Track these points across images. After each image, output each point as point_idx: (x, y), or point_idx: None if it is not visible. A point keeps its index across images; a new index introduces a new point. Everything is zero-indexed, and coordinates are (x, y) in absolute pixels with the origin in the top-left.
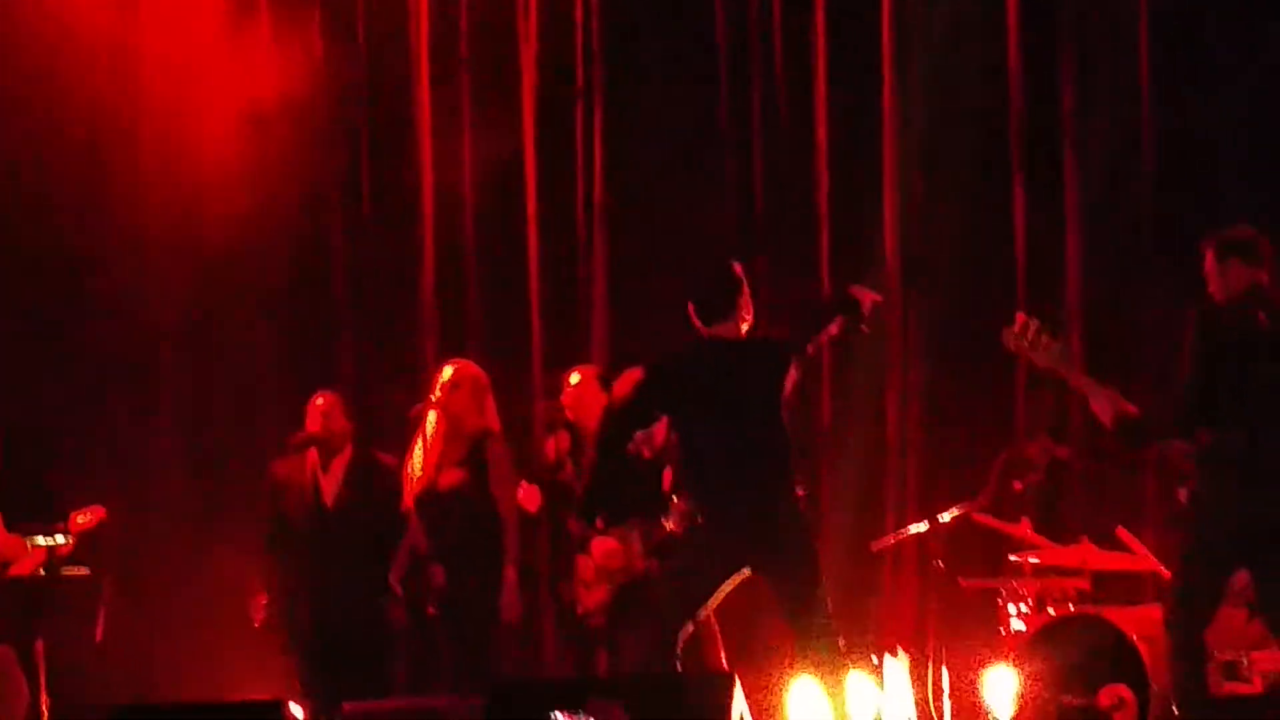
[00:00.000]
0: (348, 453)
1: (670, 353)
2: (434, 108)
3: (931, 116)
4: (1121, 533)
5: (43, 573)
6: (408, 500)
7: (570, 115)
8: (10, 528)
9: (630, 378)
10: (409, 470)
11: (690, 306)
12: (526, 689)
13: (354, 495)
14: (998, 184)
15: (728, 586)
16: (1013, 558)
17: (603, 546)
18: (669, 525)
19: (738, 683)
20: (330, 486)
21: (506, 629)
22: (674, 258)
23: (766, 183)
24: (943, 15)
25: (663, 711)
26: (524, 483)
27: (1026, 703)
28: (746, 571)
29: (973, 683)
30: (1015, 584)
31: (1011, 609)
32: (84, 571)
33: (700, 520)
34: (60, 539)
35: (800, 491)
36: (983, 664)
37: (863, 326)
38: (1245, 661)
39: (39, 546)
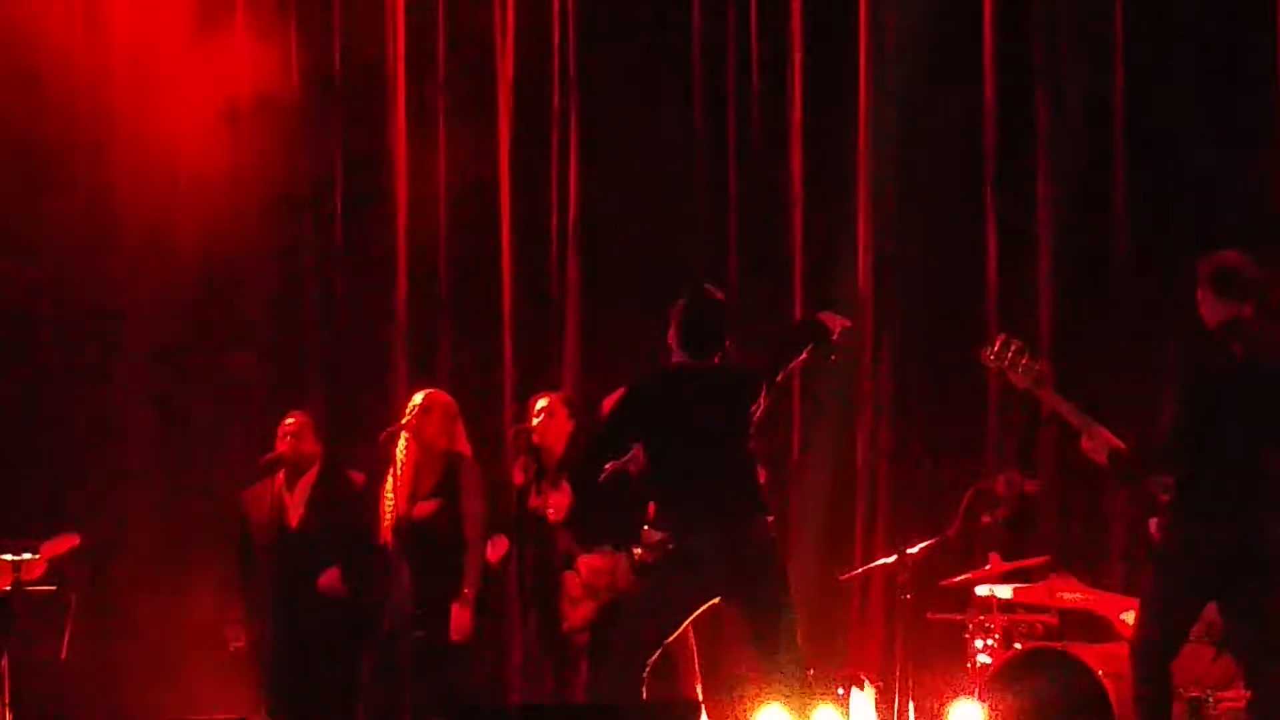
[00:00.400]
0: (313, 474)
1: (641, 380)
2: (409, 130)
3: (905, 144)
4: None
5: (8, 589)
6: (385, 533)
7: (545, 137)
8: None
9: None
10: (383, 500)
11: (673, 336)
12: (486, 716)
13: (317, 516)
14: (970, 213)
15: (696, 614)
16: (980, 592)
17: (590, 564)
18: (638, 554)
19: (704, 712)
20: (294, 507)
21: (477, 655)
22: (648, 281)
23: (740, 207)
24: (917, 36)
25: None
26: (495, 537)
27: None
28: (716, 599)
29: (939, 716)
30: (982, 618)
31: (979, 643)
32: (50, 589)
33: (670, 548)
34: (28, 556)
35: (770, 518)
36: (949, 697)
37: (832, 356)
38: (1211, 699)
39: (6, 563)
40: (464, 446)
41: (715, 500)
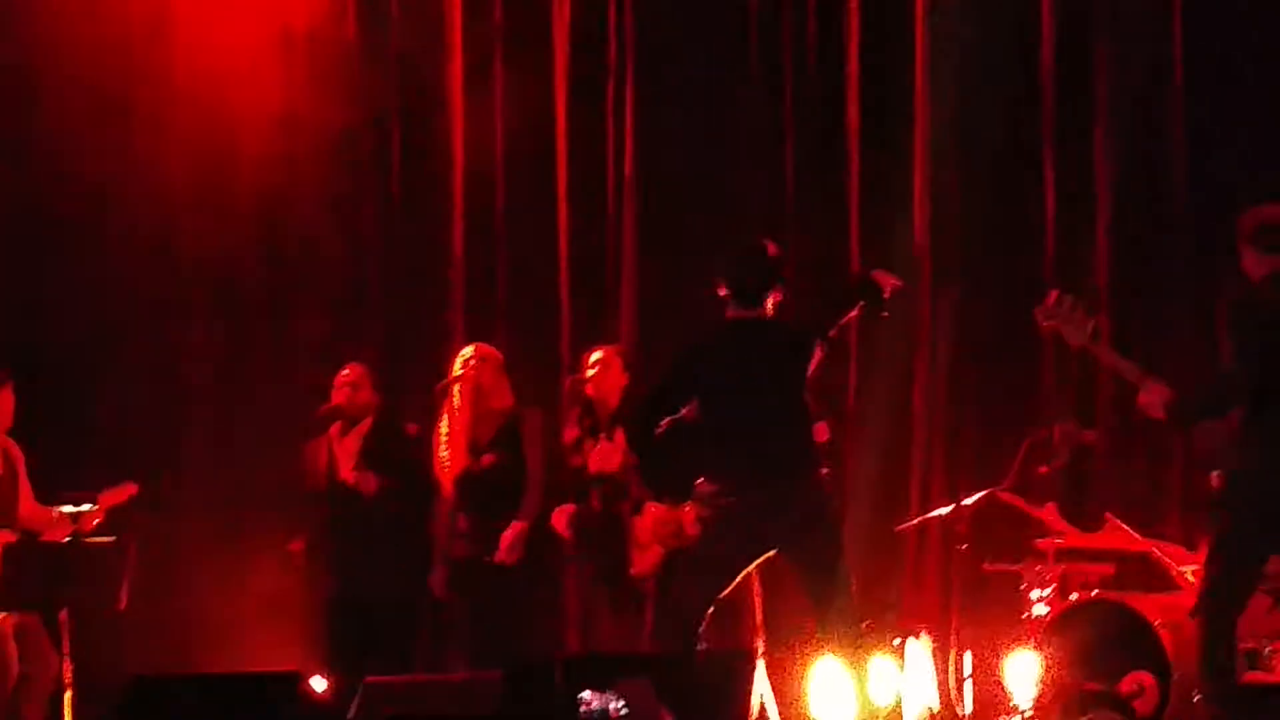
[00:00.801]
0: (367, 425)
1: (697, 337)
2: (466, 82)
3: (963, 99)
4: (1109, 519)
5: (68, 540)
6: (446, 483)
7: (601, 91)
8: (39, 498)
9: None
10: (439, 449)
11: (723, 287)
12: (544, 667)
13: (369, 466)
14: (1028, 169)
15: (752, 566)
16: (1036, 542)
17: (657, 513)
18: (694, 508)
19: (760, 662)
20: (346, 458)
21: (533, 605)
22: (703, 234)
23: (797, 163)
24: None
25: (684, 691)
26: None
27: (1048, 687)
28: (771, 552)
29: (995, 666)
30: (1039, 568)
31: (1034, 593)
32: (109, 540)
33: (724, 502)
34: (87, 507)
35: (825, 471)
36: (1005, 648)
37: (883, 312)
38: (1267, 651)
39: (65, 515)
40: (510, 399)
41: (768, 456)
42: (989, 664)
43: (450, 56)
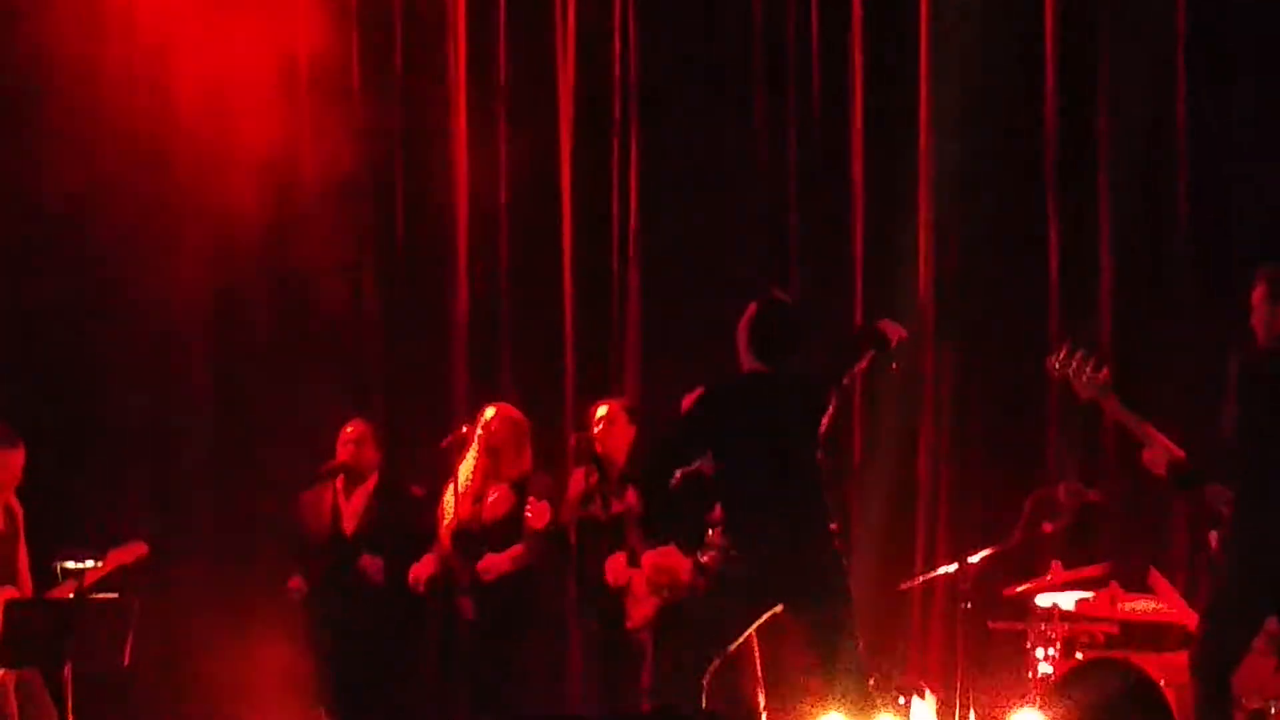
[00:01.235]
0: (372, 482)
1: (714, 385)
2: (470, 139)
3: (966, 151)
4: (1154, 574)
5: (71, 596)
6: (443, 533)
7: (606, 143)
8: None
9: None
10: (444, 502)
11: (744, 342)
12: None
13: (374, 524)
14: (1032, 225)
15: (758, 621)
16: (1041, 601)
17: (654, 561)
18: (704, 559)
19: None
20: (351, 515)
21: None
22: (708, 287)
23: (801, 217)
24: (977, 40)
25: None
26: (532, 499)
27: None
28: (778, 608)
29: None
30: (1043, 627)
31: (1039, 652)
32: (113, 595)
33: (734, 554)
34: (90, 564)
35: (834, 527)
36: (1010, 707)
37: (892, 364)
38: (1273, 710)
39: (69, 573)
40: (529, 464)
41: (782, 509)
42: None
43: (455, 109)
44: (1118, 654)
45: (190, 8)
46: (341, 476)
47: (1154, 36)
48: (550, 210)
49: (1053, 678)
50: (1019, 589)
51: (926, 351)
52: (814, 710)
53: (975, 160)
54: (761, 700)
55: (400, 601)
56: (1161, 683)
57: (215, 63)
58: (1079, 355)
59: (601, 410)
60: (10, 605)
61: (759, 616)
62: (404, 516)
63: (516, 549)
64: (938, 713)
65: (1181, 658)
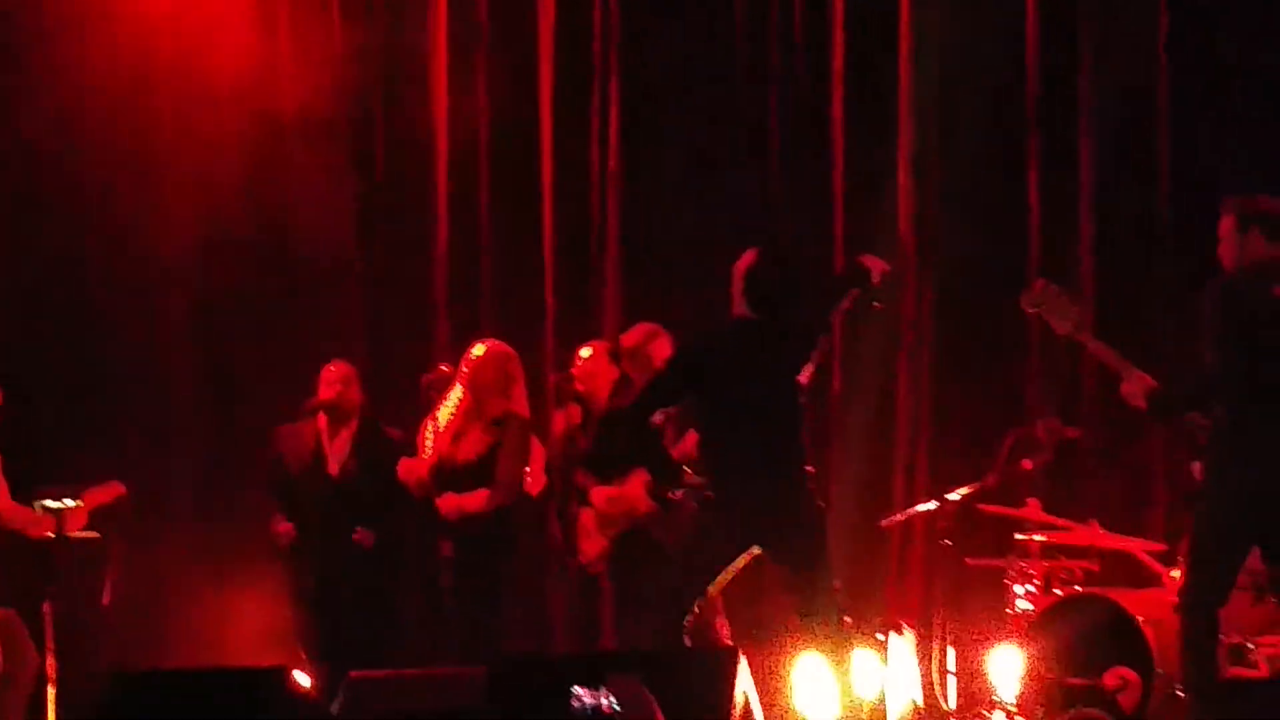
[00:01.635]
0: (354, 424)
1: (703, 332)
2: (450, 79)
3: (948, 90)
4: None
5: (51, 535)
6: (422, 468)
7: (586, 87)
8: (22, 494)
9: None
10: (423, 438)
11: (738, 290)
12: (530, 664)
13: (360, 466)
14: (1013, 165)
15: (738, 564)
16: (1020, 537)
17: (604, 493)
18: (677, 497)
19: (743, 659)
20: (335, 456)
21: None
22: (688, 230)
23: (781, 157)
24: None
25: (668, 688)
26: (530, 468)
27: (1031, 682)
28: (756, 550)
29: (978, 662)
30: (1022, 564)
31: (1018, 589)
32: (93, 535)
33: (710, 495)
34: (69, 503)
35: (811, 470)
36: (988, 643)
37: (875, 303)
38: (1251, 646)
39: (49, 511)
40: (521, 407)
41: (760, 453)
42: (973, 659)
43: (435, 51)
44: (1096, 590)
45: None
46: (324, 416)
47: None
48: (530, 151)
49: (1031, 614)
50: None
51: (907, 290)
52: (793, 649)
53: (956, 100)
54: (727, 637)
55: (383, 545)
56: (1140, 619)
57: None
58: (1054, 290)
59: (585, 351)
60: None
61: (735, 557)
62: (384, 460)
63: (482, 493)
64: (916, 649)
65: (1159, 593)
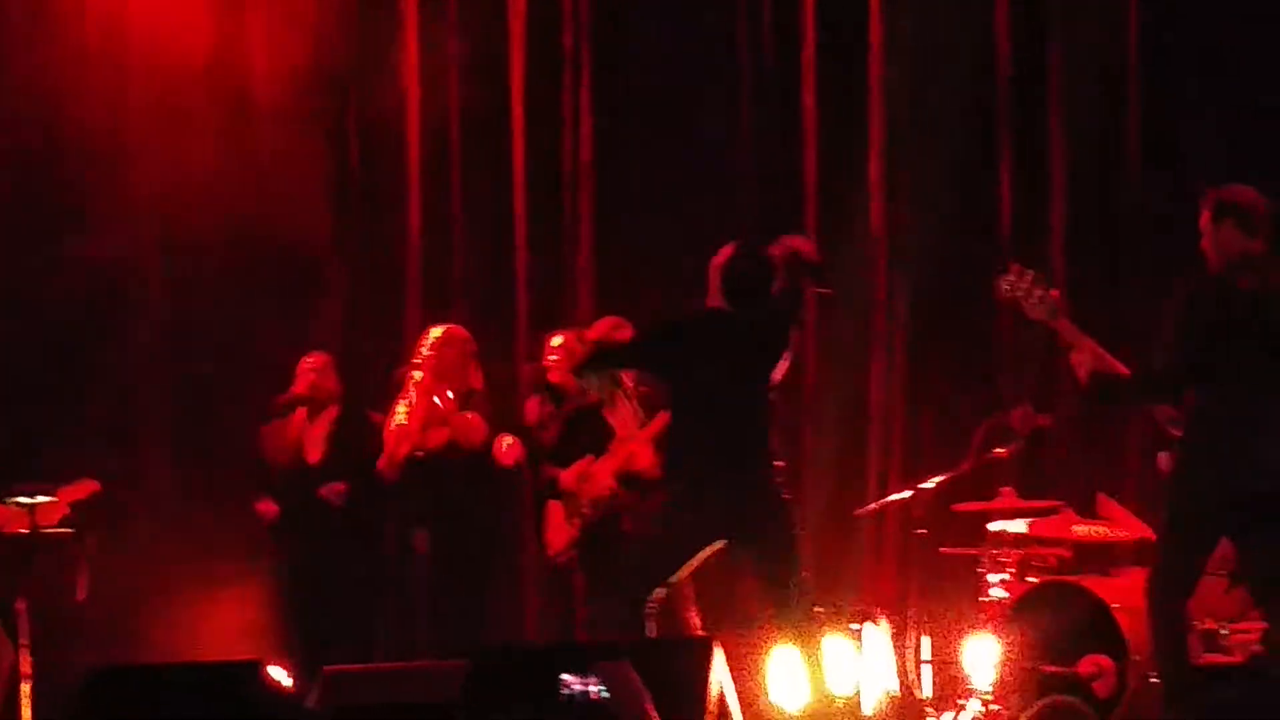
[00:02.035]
0: (334, 412)
1: (678, 315)
2: (421, 69)
3: (920, 81)
4: (1101, 499)
5: (25, 533)
6: (394, 459)
7: (558, 75)
8: None
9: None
10: (390, 428)
11: (714, 283)
12: (507, 654)
13: (338, 454)
14: (984, 154)
15: (702, 554)
16: (994, 526)
17: (575, 470)
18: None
19: (718, 650)
20: (314, 445)
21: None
22: (659, 219)
23: (753, 149)
24: None
25: (643, 679)
26: (504, 435)
27: (1006, 671)
28: (721, 542)
29: (953, 650)
30: (996, 552)
31: (992, 577)
32: (67, 531)
33: (679, 486)
34: (43, 499)
35: (780, 464)
36: (963, 632)
37: (825, 288)
38: (1225, 631)
39: (22, 506)
40: (477, 384)
41: (728, 445)
42: (947, 648)
43: (405, 41)
44: (1070, 578)
45: None
46: (303, 409)
47: None
48: (502, 139)
49: (1006, 603)
50: (968, 506)
51: (879, 278)
52: (765, 640)
53: (928, 89)
54: (696, 626)
55: (360, 532)
56: (1114, 606)
57: None
58: (1028, 276)
59: (556, 340)
60: None
61: (702, 548)
62: (367, 444)
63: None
64: (891, 638)
65: (1133, 580)
